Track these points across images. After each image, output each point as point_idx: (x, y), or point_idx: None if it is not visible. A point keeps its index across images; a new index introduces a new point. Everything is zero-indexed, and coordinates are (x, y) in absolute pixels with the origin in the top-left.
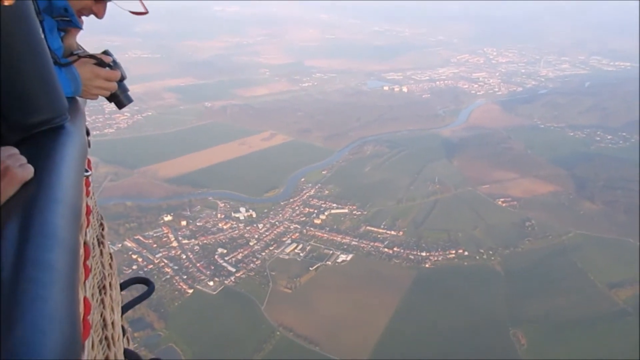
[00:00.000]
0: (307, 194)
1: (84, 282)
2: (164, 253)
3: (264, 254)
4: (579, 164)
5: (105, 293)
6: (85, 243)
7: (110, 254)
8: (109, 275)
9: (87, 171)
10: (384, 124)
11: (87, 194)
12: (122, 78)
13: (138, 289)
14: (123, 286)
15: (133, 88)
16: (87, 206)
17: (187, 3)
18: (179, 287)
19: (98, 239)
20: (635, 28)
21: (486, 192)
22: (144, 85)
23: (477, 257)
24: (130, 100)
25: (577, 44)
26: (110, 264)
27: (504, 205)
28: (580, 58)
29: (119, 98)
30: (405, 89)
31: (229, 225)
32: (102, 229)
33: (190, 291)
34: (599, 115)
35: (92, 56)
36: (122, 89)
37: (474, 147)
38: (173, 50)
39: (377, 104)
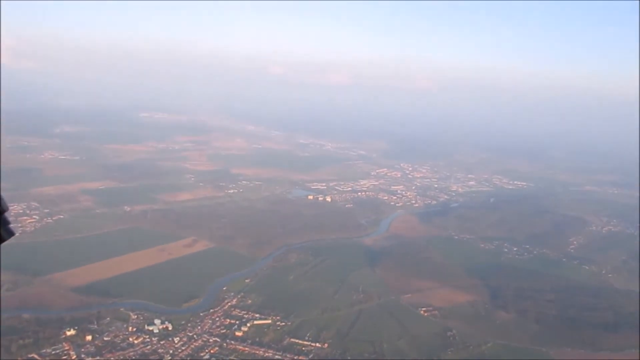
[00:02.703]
0: (229, 303)
1: None
2: None
3: None
4: (491, 274)
5: None
6: None
7: None
8: None
9: None
10: (309, 232)
11: None
12: (2, 211)
13: None
14: None
15: (45, 190)
16: None
17: (112, 107)
18: None
19: None
20: (530, 154)
21: (408, 301)
22: (58, 187)
23: None
24: (11, 234)
25: (481, 163)
26: None
27: (425, 314)
28: (484, 176)
29: None
30: (329, 199)
31: (140, 339)
32: None
33: None
34: (505, 228)
35: None
36: (3, 222)
37: (395, 256)
38: (94, 153)
39: (301, 212)
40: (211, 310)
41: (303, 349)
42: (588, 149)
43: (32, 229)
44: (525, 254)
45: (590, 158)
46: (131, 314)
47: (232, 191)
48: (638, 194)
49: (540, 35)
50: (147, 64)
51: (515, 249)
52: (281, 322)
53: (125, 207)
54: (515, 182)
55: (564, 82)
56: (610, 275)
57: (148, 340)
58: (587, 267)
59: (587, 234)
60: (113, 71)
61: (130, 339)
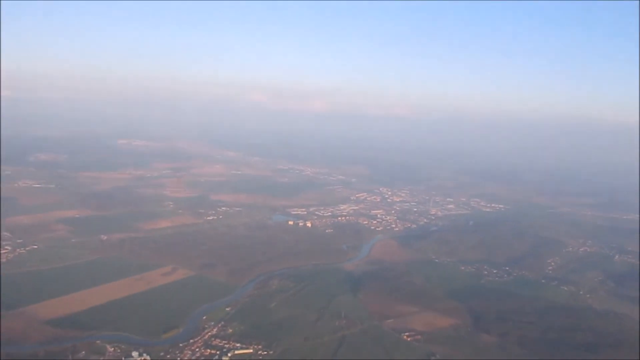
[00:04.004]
0: (209, 333)
1: None
2: None
3: None
4: (472, 296)
5: None
6: None
7: None
8: None
9: None
10: (290, 258)
11: None
12: None
13: None
14: None
15: (19, 219)
16: None
17: (89, 134)
18: None
19: None
20: (506, 176)
21: (391, 326)
22: (32, 216)
23: None
24: None
25: (459, 186)
26: None
27: (409, 339)
28: (462, 200)
29: None
30: (309, 224)
31: None
32: None
33: None
34: (484, 251)
35: None
36: None
37: (376, 281)
38: (70, 181)
39: (282, 238)
40: (191, 341)
41: None
42: (563, 173)
43: (4, 260)
44: (505, 276)
45: (564, 181)
46: (108, 346)
47: (211, 218)
48: (611, 216)
49: (516, 64)
50: (127, 92)
51: (495, 271)
52: (263, 351)
53: (102, 236)
54: (493, 204)
55: (542, 109)
56: (588, 295)
57: None
58: (565, 288)
59: (564, 255)
60: (89, 100)
61: None
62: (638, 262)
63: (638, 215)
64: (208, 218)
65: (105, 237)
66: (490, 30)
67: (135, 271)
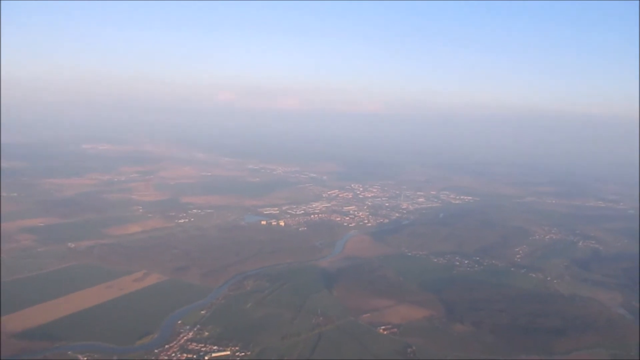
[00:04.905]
0: (185, 337)
1: None
2: None
3: None
4: (445, 287)
5: None
6: None
7: None
8: None
9: None
10: (264, 258)
11: None
12: None
13: None
14: None
15: None
16: None
17: (53, 140)
18: None
19: None
20: (474, 170)
21: (367, 320)
22: None
23: None
24: None
25: (429, 180)
26: None
27: (385, 333)
28: (432, 193)
29: None
30: (282, 223)
31: None
32: None
33: None
34: (455, 242)
35: None
36: None
37: (351, 276)
38: (34, 189)
39: (255, 238)
40: (166, 346)
41: None
42: (531, 165)
43: None
44: (476, 265)
45: (531, 173)
46: (80, 356)
47: (182, 221)
48: (574, 204)
49: (482, 58)
50: (93, 95)
51: (466, 261)
52: (241, 352)
53: (70, 243)
54: (462, 197)
55: (514, 105)
56: (555, 281)
57: None
58: (533, 275)
59: (531, 243)
60: (55, 103)
61: None
62: (600, 247)
63: (599, 202)
64: (179, 221)
65: (73, 245)
66: (460, 26)
67: (106, 278)
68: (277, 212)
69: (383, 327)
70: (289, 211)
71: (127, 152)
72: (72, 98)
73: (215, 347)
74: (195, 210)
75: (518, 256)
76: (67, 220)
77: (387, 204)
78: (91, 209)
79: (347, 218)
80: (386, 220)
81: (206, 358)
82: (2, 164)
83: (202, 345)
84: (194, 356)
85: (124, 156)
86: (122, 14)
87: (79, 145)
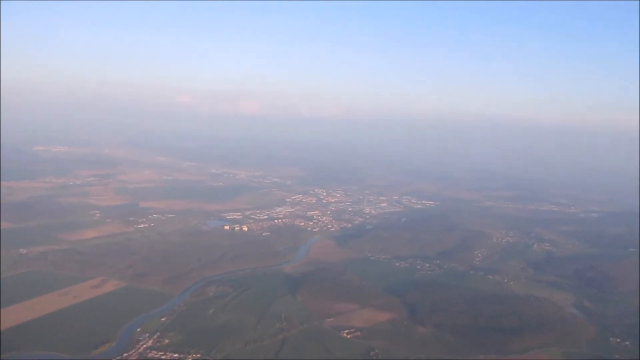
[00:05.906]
0: (144, 345)
1: None
2: None
3: None
4: (407, 291)
5: None
6: None
7: None
8: None
9: None
10: (227, 263)
11: None
12: None
13: None
14: None
15: None
16: None
17: (2, 142)
18: None
19: None
20: (436, 174)
21: (331, 324)
22: None
23: None
24: None
25: (391, 185)
26: None
27: (349, 336)
28: (394, 197)
29: None
30: (245, 228)
31: None
32: None
33: None
34: (417, 246)
35: None
36: None
37: (315, 281)
38: None
39: (218, 244)
40: (125, 355)
41: None
42: (491, 171)
43: None
44: (437, 269)
45: (490, 178)
46: None
47: (142, 226)
48: (529, 208)
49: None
50: (47, 95)
51: (427, 265)
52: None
53: (21, 249)
54: (423, 201)
55: (481, 111)
56: (511, 283)
57: None
58: (491, 277)
59: (489, 246)
60: (8, 105)
61: None
62: (554, 250)
63: (552, 206)
64: (139, 226)
65: (25, 251)
66: (434, 27)
67: (61, 285)
68: (241, 217)
69: (347, 331)
70: (253, 216)
71: (83, 155)
72: (30, 98)
73: (176, 355)
74: (155, 215)
75: (477, 259)
76: (18, 225)
77: (350, 209)
78: (45, 213)
79: (311, 223)
80: (349, 225)
81: None
82: None
83: (162, 353)
84: None
85: (81, 159)
86: (84, 14)
87: (31, 147)
